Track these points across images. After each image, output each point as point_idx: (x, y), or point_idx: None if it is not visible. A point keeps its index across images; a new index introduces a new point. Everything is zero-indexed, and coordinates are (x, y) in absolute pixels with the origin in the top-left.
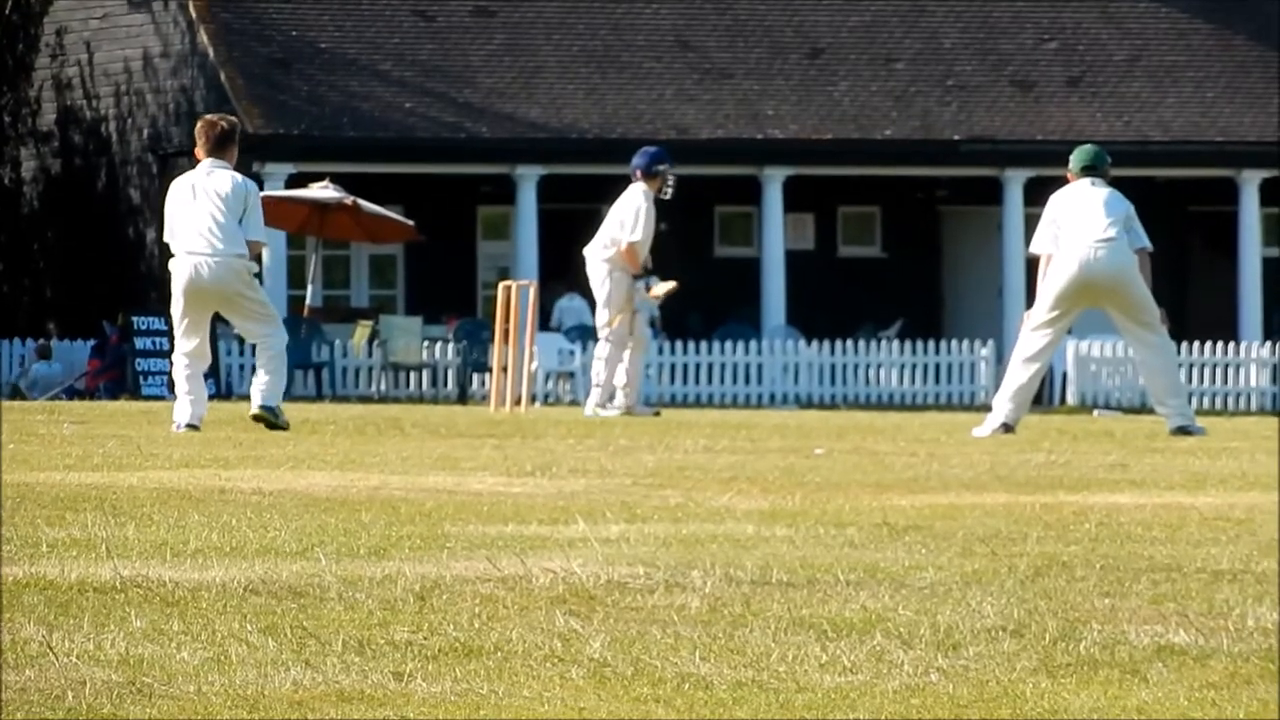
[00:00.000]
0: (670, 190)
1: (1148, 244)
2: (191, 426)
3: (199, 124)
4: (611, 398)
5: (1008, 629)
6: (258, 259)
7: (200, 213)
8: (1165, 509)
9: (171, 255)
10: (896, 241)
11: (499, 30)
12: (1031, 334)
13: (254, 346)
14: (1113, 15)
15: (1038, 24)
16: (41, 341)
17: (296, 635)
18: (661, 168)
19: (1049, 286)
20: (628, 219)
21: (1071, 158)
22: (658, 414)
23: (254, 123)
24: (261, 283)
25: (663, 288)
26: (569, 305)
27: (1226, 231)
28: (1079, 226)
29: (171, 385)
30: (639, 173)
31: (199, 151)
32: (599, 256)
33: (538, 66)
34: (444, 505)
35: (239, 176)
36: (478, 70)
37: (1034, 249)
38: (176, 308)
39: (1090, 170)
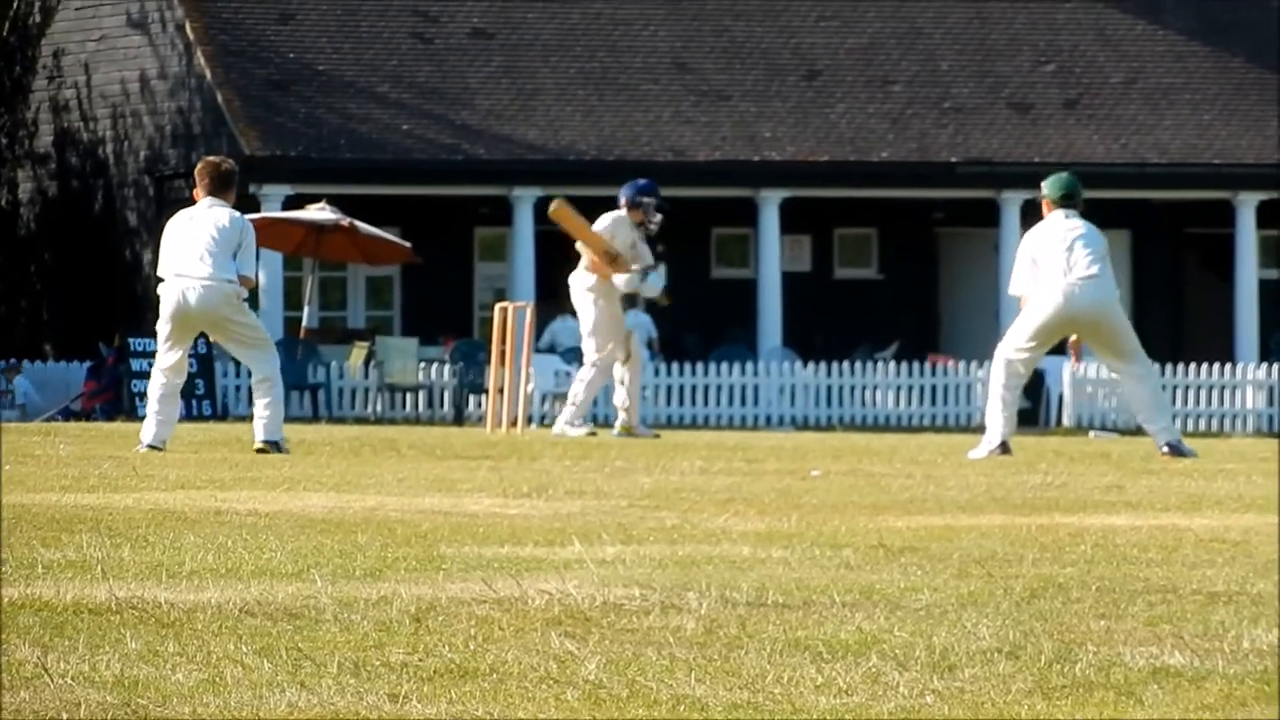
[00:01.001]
0: (654, 226)
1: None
2: (153, 447)
3: (200, 165)
4: (585, 419)
5: (1003, 651)
6: (252, 293)
7: (194, 240)
8: (1161, 531)
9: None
10: (893, 263)
11: (497, 52)
12: (1010, 358)
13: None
14: (1109, 37)
15: (1034, 46)
16: (11, 361)
17: (292, 657)
18: (645, 200)
19: (1030, 318)
20: (615, 236)
21: (1046, 185)
22: (657, 436)
23: (251, 144)
24: (256, 309)
25: (655, 290)
26: (562, 326)
27: (1223, 253)
28: (1061, 264)
29: None
30: (623, 201)
31: (198, 192)
32: (583, 284)
33: (535, 88)
34: (440, 527)
35: (236, 213)
36: (475, 92)
37: (1014, 291)
38: (163, 330)
39: (1066, 200)
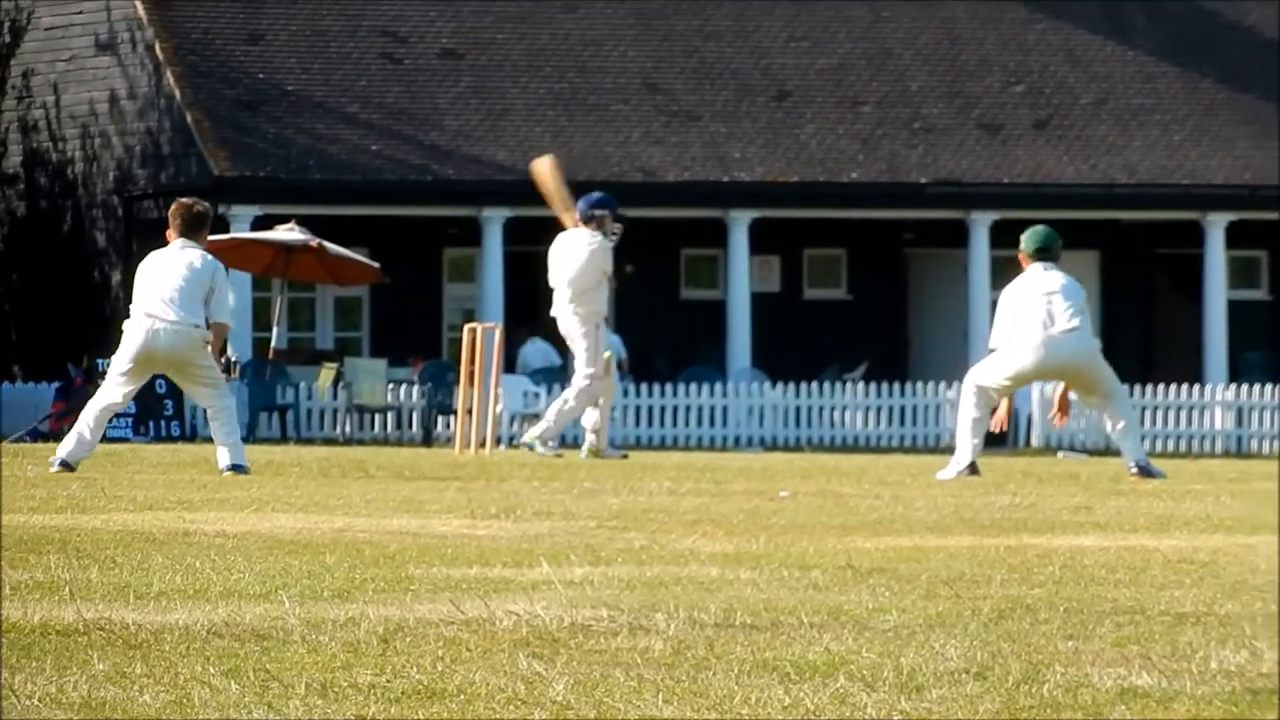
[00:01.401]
0: (615, 235)
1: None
2: (66, 465)
3: (173, 206)
4: (556, 440)
5: (971, 671)
6: (224, 345)
7: (165, 280)
8: (1129, 551)
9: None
10: (862, 284)
11: (466, 73)
12: (988, 383)
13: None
14: (1079, 58)
15: (1004, 67)
16: None
17: (260, 678)
18: (598, 213)
19: (1011, 361)
20: (606, 267)
21: (1023, 240)
22: (625, 457)
23: (220, 165)
24: (229, 371)
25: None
26: (533, 349)
27: (1192, 274)
28: (1041, 317)
29: (136, 426)
30: (578, 217)
31: (171, 233)
32: (570, 312)
33: (505, 109)
34: (408, 548)
35: (209, 256)
36: (444, 113)
37: (994, 345)
38: (120, 364)
39: (1043, 254)
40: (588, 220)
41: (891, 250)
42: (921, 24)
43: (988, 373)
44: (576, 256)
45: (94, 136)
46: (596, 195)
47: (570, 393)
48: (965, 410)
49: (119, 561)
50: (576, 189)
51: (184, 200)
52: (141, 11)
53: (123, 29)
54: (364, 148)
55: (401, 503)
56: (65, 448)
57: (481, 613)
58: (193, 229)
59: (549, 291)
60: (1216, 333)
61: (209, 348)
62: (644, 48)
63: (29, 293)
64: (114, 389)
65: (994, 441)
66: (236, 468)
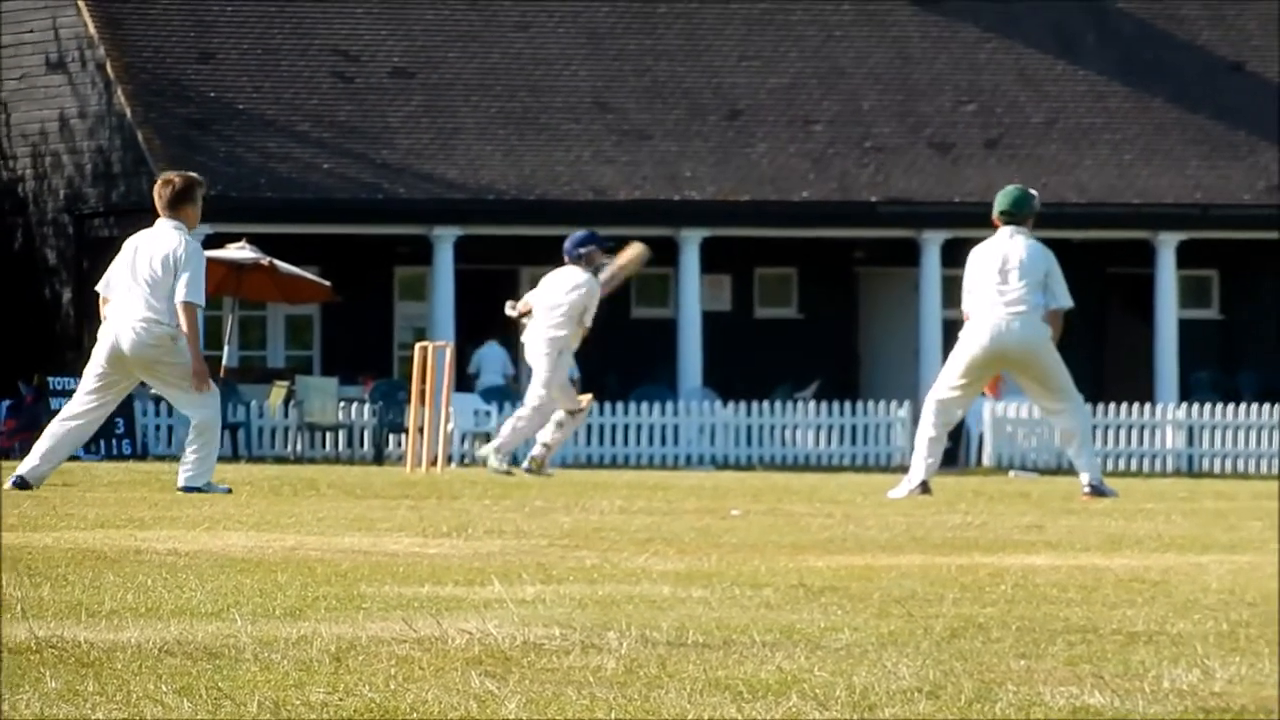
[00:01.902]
0: (604, 265)
1: (1066, 303)
2: (22, 482)
3: (157, 183)
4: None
5: (924, 690)
6: (192, 322)
7: (135, 272)
8: (1081, 570)
9: (98, 312)
10: (813, 303)
11: (417, 91)
12: (943, 395)
13: (170, 407)
14: (1030, 78)
15: (956, 86)
16: None
17: (212, 696)
18: (584, 250)
19: (961, 353)
20: (590, 306)
21: (996, 198)
22: (551, 475)
23: None
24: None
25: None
26: (488, 353)
27: (1143, 293)
28: (994, 292)
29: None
30: (567, 260)
31: (159, 208)
32: (544, 337)
33: (456, 127)
34: (360, 566)
35: (183, 237)
36: (395, 131)
37: (963, 308)
38: (93, 369)
39: (1010, 216)
40: (575, 260)
41: (842, 269)
42: (873, 43)
43: (944, 380)
44: (563, 291)
45: (45, 155)
46: (580, 234)
47: (524, 410)
48: (923, 428)
49: (71, 579)
50: (527, 208)
51: (165, 175)
52: (92, 30)
53: (73, 47)
54: (315, 166)
55: (353, 521)
56: (25, 463)
57: (434, 631)
58: (172, 206)
59: (500, 307)
60: (1167, 352)
61: (179, 342)
62: (595, 67)
63: None
64: (81, 399)
65: (945, 460)
66: (189, 490)
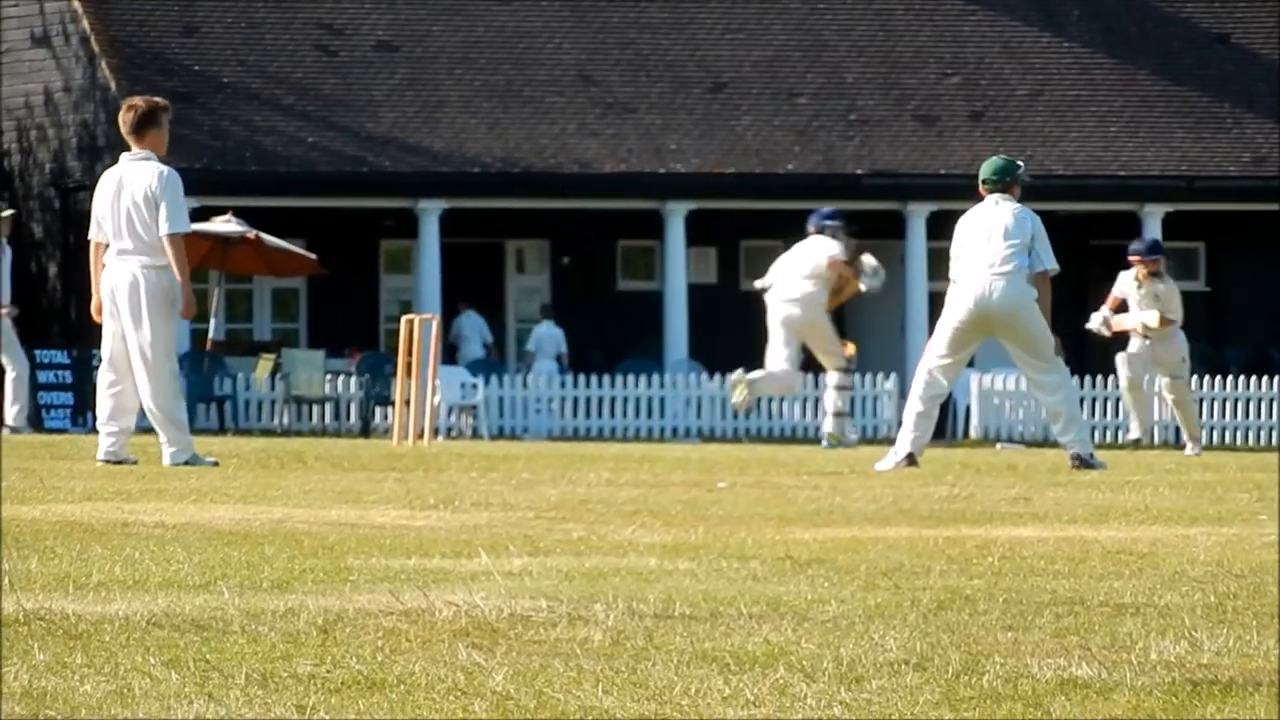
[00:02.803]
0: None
1: (1051, 266)
2: (108, 460)
3: (121, 112)
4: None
5: (910, 662)
6: (178, 252)
7: (122, 223)
8: (1068, 542)
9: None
10: None
11: (401, 65)
12: (931, 366)
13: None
14: (1015, 50)
15: (940, 58)
16: None
17: (199, 668)
18: (830, 223)
19: (947, 319)
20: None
21: (983, 168)
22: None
23: None
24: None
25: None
26: (467, 321)
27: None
28: (978, 255)
29: (74, 417)
30: (812, 228)
31: (125, 135)
32: (804, 303)
33: (440, 101)
34: (347, 539)
35: (156, 169)
36: (380, 104)
37: (951, 275)
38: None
39: (994, 184)
40: (822, 230)
41: None
42: (857, 16)
43: (933, 349)
44: (814, 258)
45: (30, 129)
46: (827, 209)
47: (833, 381)
48: (911, 402)
49: (58, 552)
50: (511, 181)
51: (128, 100)
52: (76, 4)
53: (57, 21)
54: (300, 140)
55: (340, 494)
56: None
57: (420, 603)
58: (136, 133)
59: (486, 280)
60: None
61: (154, 284)
62: (579, 40)
63: None
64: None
65: (932, 433)
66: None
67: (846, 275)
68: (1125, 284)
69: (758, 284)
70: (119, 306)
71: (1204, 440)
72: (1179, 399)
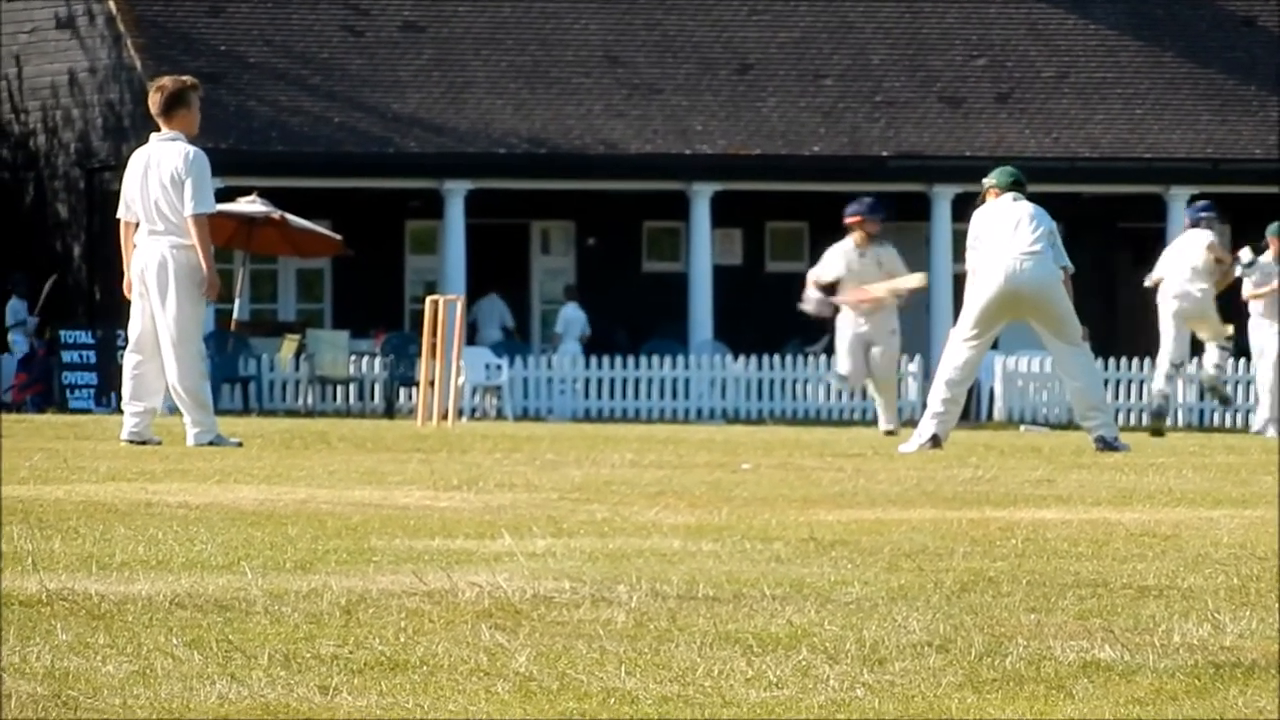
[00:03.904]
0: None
1: (1069, 265)
2: (131, 440)
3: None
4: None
5: (934, 644)
6: (201, 233)
7: (150, 205)
8: (1092, 525)
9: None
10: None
11: (428, 45)
12: (957, 347)
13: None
14: (1041, 32)
15: (966, 40)
16: None
17: (222, 649)
18: (1204, 215)
19: (974, 300)
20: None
21: (992, 176)
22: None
23: None
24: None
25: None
26: (487, 305)
27: (1155, 248)
28: (1004, 240)
29: (98, 398)
30: (1188, 220)
31: (154, 115)
32: (1180, 294)
33: (466, 81)
34: (370, 519)
35: (182, 149)
36: (406, 85)
37: (968, 264)
38: (136, 299)
39: (1007, 187)
40: (1196, 224)
41: None
42: None
43: (960, 330)
44: (1194, 252)
45: (56, 109)
46: (1203, 202)
47: (1213, 359)
48: (936, 388)
49: (82, 532)
50: (538, 162)
51: (157, 81)
52: None
53: (82, 1)
54: (326, 120)
55: (364, 474)
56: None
57: (444, 584)
58: (165, 114)
59: (511, 261)
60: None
61: (183, 264)
62: (605, 20)
63: None
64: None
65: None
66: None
67: (1225, 260)
68: (839, 255)
69: (1147, 281)
70: (148, 286)
71: (1229, 422)
72: (885, 379)
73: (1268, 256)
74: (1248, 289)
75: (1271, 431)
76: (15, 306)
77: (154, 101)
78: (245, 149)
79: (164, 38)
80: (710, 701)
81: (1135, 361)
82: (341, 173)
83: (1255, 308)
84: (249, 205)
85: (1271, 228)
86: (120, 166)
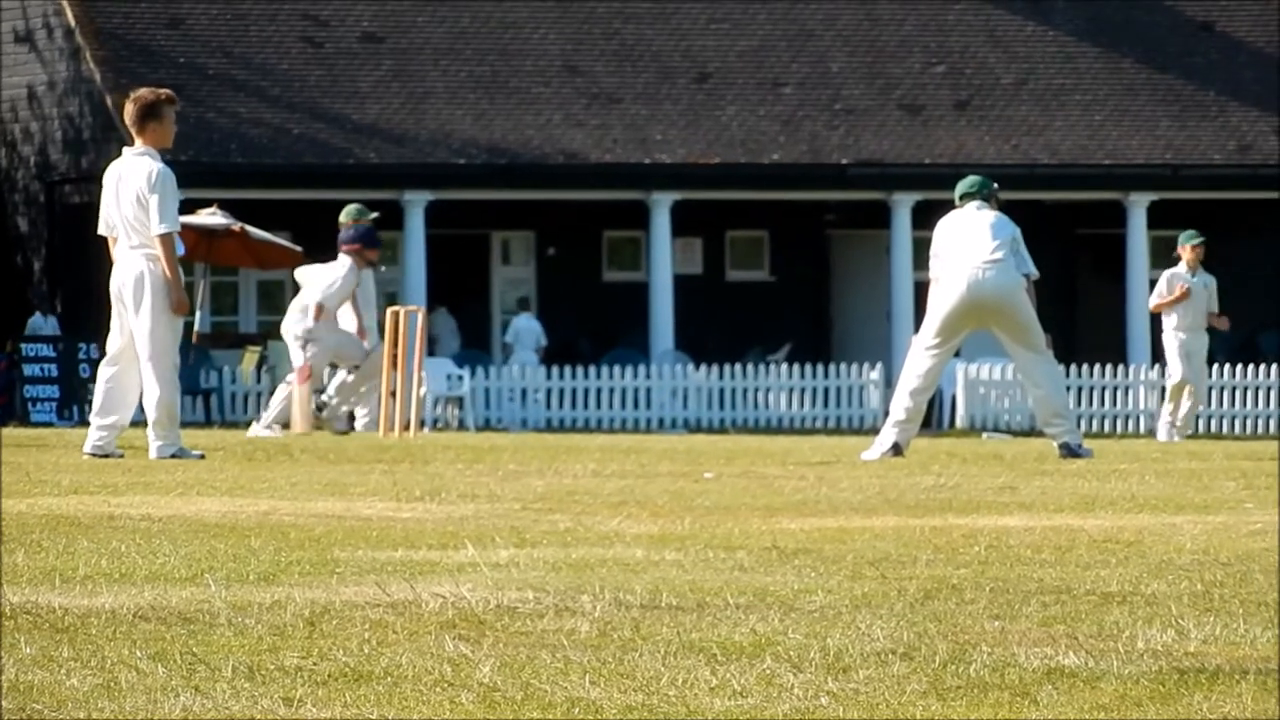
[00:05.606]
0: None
1: (1033, 271)
2: (95, 454)
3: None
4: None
5: (897, 652)
6: (167, 251)
7: (122, 208)
8: (1054, 531)
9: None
10: (785, 265)
11: (387, 56)
12: (919, 356)
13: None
14: (1000, 39)
15: (925, 48)
16: None
17: (186, 661)
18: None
19: (937, 308)
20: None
21: (958, 186)
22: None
23: None
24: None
25: None
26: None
27: (1115, 254)
28: (966, 249)
29: (60, 411)
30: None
31: (129, 127)
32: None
33: (426, 92)
34: (333, 530)
35: (149, 166)
36: (366, 96)
37: (932, 273)
38: (115, 316)
39: (972, 196)
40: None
41: (813, 232)
42: (841, 5)
43: (922, 338)
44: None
45: (14, 123)
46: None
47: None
48: (900, 391)
49: (45, 546)
50: (498, 172)
51: (134, 92)
52: None
53: (40, 15)
54: (285, 131)
55: (326, 486)
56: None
57: (407, 595)
58: (138, 126)
59: (471, 272)
60: (1139, 312)
61: (159, 278)
62: (564, 30)
63: None
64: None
65: (921, 424)
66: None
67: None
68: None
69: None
70: (125, 301)
71: (1191, 429)
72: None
73: (1182, 267)
74: (1153, 301)
75: (1165, 435)
76: None
77: (128, 113)
78: (205, 161)
79: (124, 50)
80: (675, 711)
81: (1097, 368)
82: (301, 184)
83: (1168, 320)
84: (209, 217)
85: (1183, 236)
86: (80, 179)
